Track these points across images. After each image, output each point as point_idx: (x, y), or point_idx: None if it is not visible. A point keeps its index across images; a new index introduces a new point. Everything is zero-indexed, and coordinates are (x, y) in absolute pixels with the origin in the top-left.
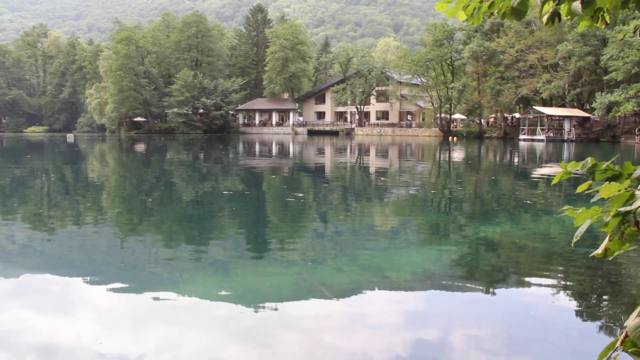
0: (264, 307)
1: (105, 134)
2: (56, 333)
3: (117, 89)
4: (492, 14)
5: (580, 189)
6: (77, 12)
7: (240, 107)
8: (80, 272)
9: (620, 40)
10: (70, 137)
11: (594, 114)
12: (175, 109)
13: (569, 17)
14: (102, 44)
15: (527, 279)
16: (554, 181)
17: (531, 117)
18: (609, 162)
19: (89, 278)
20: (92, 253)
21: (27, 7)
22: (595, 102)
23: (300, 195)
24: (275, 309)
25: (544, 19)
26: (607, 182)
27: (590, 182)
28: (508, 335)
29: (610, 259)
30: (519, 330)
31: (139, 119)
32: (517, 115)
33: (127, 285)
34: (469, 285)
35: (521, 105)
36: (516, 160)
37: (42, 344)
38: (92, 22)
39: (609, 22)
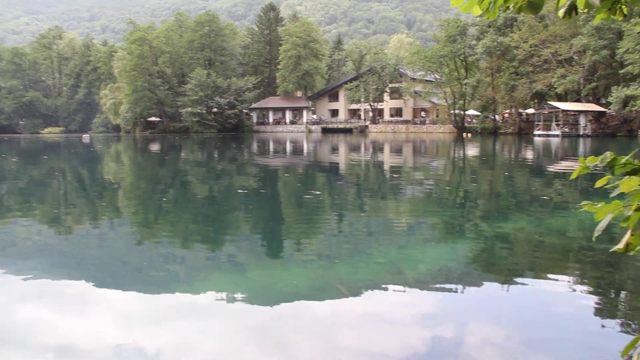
0: (280, 305)
1: (120, 134)
2: (74, 332)
3: (131, 89)
4: (507, 8)
5: (599, 183)
6: (92, 13)
7: (253, 105)
8: (97, 271)
9: (638, 33)
10: (86, 138)
11: (610, 109)
12: (189, 109)
13: (585, 9)
14: (116, 44)
15: (545, 276)
16: (573, 176)
17: (546, 112)
18: (628, 156)
19: (105, 277)
20: (109, 252)
21: (42, 10)
22: (611, 96)
23: (317, 193)
24: (292, 307)
25: (561, 12)
26: (627, 177)
27: (609, 176)
28: (526, 333)
29: (632, 254)
30: (537, 327)
31: (153, 118)
32: (531, 110)
33: (143, 284)
34: (485, 282)
35: (536, 101)
36: (531, 156)
37: (59, 343)
38: (106, 23)
39: (626, 14)
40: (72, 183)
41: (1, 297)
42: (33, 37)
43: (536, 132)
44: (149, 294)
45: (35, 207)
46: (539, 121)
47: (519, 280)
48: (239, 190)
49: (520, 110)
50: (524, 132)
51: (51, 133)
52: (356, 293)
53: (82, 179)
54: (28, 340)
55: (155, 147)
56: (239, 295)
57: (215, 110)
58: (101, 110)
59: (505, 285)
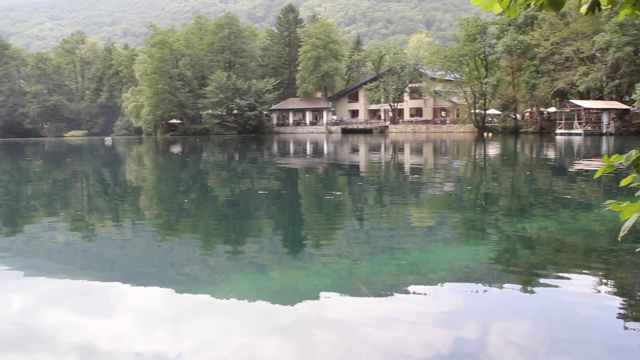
0: (302, 305)
1: (142, 137)
2: (97, 332)
3: (152, 92)
4: (528, 6)
5: (624, 182)
6: (113, 18)
7: (273, 107)
8: (119, 272)
9: None
10: (108, 141)
11: (633, 106)
12: (210, 111)
13: (609, 5)
14: (137, 48)
15: (567, 276)
16: (597, 174)
17: (568, 110)
18: None
19: (128, 278)
20: (131, 253)
21: (65, 15)
22: (635, 93)
23: (337, 194)
24: (314, 307)
25: (583, 9)
26: None
27: (634, 175)
28: (548, 334)
29: None
30: (560, 328)
31: (174, 121)
32: (553, 109)
33: (165, 285)
34: (507, 282)
35: (557, 99)
36: (553, 155)
37: (82, 343)
38: (127, 27)
39: None
40: (96, 185)
41: (25, 297)
42: (56, 42)
43: (558, 131)
44: (171, 294)
45: (59, 209)
46: (561, 120)
47: (541, 280)
48: (260, 191)
49: (542, 109)
50: (545, 131)
51: (74, 136)
52: (378, 293)
53: (105, 181)
54: (52, 340)
55: (176, 149)
56: (260, 296)
57: (235, 112)
58: (123, 113)
59: (528, 286)
